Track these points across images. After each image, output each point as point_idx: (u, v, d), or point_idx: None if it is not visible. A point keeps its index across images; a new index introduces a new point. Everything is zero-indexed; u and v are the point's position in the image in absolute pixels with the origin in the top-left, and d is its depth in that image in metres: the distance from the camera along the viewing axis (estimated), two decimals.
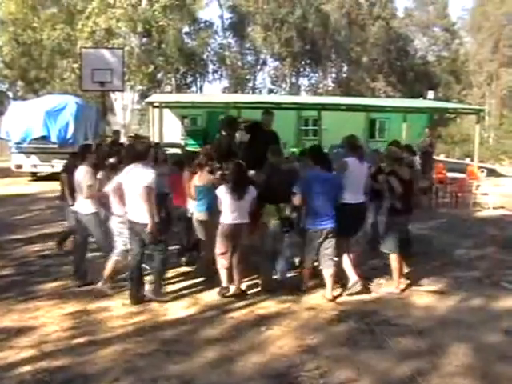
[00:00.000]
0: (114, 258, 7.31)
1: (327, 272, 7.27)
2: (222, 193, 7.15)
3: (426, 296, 7.48)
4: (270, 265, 7.62)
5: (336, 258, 7.37)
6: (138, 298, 6.96)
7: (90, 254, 8.26)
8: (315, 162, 7.35)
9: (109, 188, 7.24)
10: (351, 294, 7.35)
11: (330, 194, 7.18)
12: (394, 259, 7.67)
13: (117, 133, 16.12)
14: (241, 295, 7.26)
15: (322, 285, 7.64)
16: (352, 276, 7.42)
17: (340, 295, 7.36)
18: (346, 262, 7.46)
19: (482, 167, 21.75)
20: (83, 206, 7.68)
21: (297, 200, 7.21)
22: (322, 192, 7.10)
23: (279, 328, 6.21)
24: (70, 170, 8.54)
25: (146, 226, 6.63)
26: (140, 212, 6.65)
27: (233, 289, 7.29)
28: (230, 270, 7.29)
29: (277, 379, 5.04)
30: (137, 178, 6.64)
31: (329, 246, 7.23)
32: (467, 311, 6.92)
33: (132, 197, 6.74)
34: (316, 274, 7.61)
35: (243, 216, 7.20)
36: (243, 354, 5.51)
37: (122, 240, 7.22)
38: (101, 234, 7.70)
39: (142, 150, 7.02)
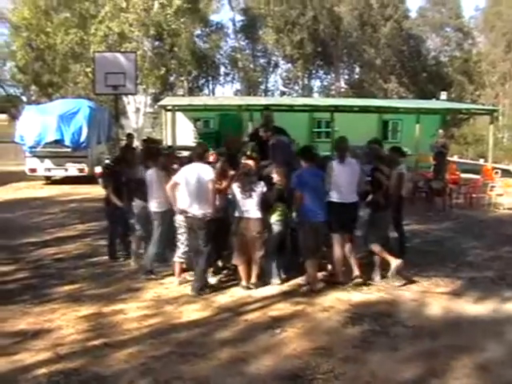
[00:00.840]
0: (178, 261, 7.95)
1: (311, 262, 7.72)
2: (234, 189, 7.68)
3: (440, 297, 7.45)
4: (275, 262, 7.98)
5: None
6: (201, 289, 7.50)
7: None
8: (305, 160, 7.80)
9: (168, 186, 7.63)
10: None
11: (320, 189, 7.69)
12: (376, 252, 8.08)
13: (130, 136, 16.14)
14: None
15: (336, 287, 7.69)
16: (338, 273, 7.95)
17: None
18: (337, 258, 7.89)
19: (496, 168, 21.61)
20: (156, 204, 8.13)
21: (298, 198, 7.60)
22: (313, 187, 7.59)
23: (293, 330, 6.20)
24: (114, 172, 9.24)
25: (203, 221, 7.34)
26: (199, 207, 7.34)
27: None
28: (247, 266, 7.73)
29: (291, 381, 5.04)
30: (200, 175, 7.35)
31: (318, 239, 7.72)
32: (482, 312, 6.88)
33: (194, 192, 7.36)
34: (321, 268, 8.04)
35: (254, 211, 7.62)
36: (257, 356, 5.52)
37: (183, 237, 7.84)
38: (166, 232, 8.20)
39: (201, 151, 7.71)
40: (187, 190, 7.44)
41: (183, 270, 8.05)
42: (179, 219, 7.80)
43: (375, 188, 8.04)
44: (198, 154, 7.68)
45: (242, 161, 8.16)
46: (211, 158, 8.79)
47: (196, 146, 8.74)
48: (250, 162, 7.98)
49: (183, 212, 7.55)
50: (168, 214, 8.05)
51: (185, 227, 7.73)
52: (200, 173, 7.41)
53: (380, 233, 8.17)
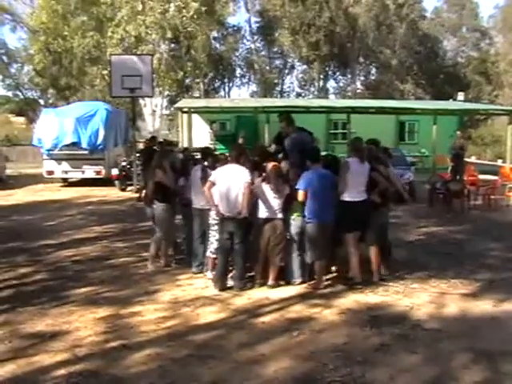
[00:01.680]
0: (212, 256, 8.16)
1: (320, 264, 7.82)
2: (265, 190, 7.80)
3: (458, 299, 7.38)
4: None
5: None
6: (224, 285, 7.75)
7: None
8: (313, 161, 7.86)
9: (206, 186, 7.82)
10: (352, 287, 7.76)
11: (328, 189, 7.74)
12: (374, 252, 8.11)
13: (153, 139, 16.36)
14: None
15: (353, 289, 7.65)
16: (355, 273, 7.93)
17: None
18: (354, 258, 7.95)
19: None
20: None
21: (300, 196, 7.64)
22: (321, 188, 7.65)
23: (310, 332, 6.18)
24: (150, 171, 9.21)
25: (237, 220, 7.56)
26: (234, 207, 7.57)
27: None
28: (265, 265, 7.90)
29: None
30: (236, 176, 7.58)
31: (326, 239, 7.78)
32: (501, 315, 6.80)
33: (229, 193, 7.58)
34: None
35: (279, 212, 7.82)
36: (275, 359, 5.50)
37: (214, 234, 8.08)
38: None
39: (237, 153, 7.89)
40: (223, 190, 7.63)
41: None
42: (213, 216, 7.99)
43: (372, 187, 8.08)
44: (234, 156, 7.87)
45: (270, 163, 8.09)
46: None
47: (232, 148, 8.74)
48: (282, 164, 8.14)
49: (218, 212, 7.69)
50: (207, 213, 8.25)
51: (217, 226, 7.90)
52: (236, 174, 7.61)
53: (377, 232, 8.22)
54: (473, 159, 31.67)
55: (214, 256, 8.09)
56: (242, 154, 7.96)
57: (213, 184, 7.69)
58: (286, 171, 8.15)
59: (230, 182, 7.60)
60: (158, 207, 8.82)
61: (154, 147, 15.85)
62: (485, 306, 7.10)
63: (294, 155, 8.57)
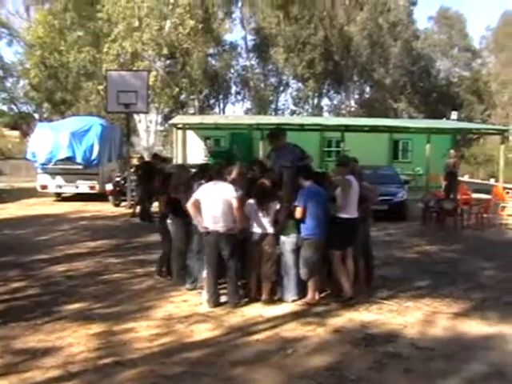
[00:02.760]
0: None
1: (314, 280, 7.89)
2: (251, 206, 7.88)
3: (451, 318, 7.38)
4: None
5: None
6: (216, 302, 7.73)
7: None
8: (306, 178, 7.95)
9: (189, 203, 7.79)
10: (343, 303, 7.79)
11: (323, 205, 7.86)
12: (360, 265, 8.43)
13: (156, 156, 16.55)
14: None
15: (348, 306, 7.66)
16: (346, 290, 7.91)
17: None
18: (343, 275, 7.97)
19: (507, 188, 21.52)
20: None
21: (298, 213, 7.72)
22: (316, 205, 7.77)
23: (305, 350, 6.16)
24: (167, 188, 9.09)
25: (228, 237, 7.60)
26: (223, 223, 7.56)
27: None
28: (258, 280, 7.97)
29: None
30: (221, 192, 7.58)
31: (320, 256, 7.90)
32: (494, 335, 6.80)
33: (214, 209, 7.57)
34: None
35: (268, 227, 7.88)
36: (269, 376, 5.48)
37: None
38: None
39: (219, 169, 7.95)
40: (207, 207, 7.64)
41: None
42: None
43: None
44: (216, 172, 7.88)
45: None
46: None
47: (214, 164, 8.79)
48: (266, 181, 8.08)
49: (206, 229, 7.70)
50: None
51: (205, 243, 7.87)
52: (221, 190, 7.61)
53: (360, 246, 8.37)
54: (466, 178, 31.82)
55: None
56: (224, 169, 8.03)
57: (197, 201, 7.69)
58: (273, 186, 8.14)
59: (214, 198, 7.59)
60: (174, 222, 8.84)
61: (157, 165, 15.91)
62: (478, 326, 7.09)
63: (277, 170, 8.70)
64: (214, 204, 7.58)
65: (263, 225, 7.83)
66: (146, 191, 15.83)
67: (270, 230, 7.86)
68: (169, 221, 8.95)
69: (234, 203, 7.53)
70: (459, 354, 6.13)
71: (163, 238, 9.39)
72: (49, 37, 33.93)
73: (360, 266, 8.34)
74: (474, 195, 19.13)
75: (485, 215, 15.83)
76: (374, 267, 9.07)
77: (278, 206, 7.86)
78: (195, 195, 7.75)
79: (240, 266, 7.86)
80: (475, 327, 7.05)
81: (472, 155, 46.29)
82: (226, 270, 7.84)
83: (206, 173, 8.61)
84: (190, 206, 7.75)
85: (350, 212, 7.99)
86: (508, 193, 19.72)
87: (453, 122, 34.56)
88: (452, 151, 19.15)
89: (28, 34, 36.53)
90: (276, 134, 9.43)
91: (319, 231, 7.77)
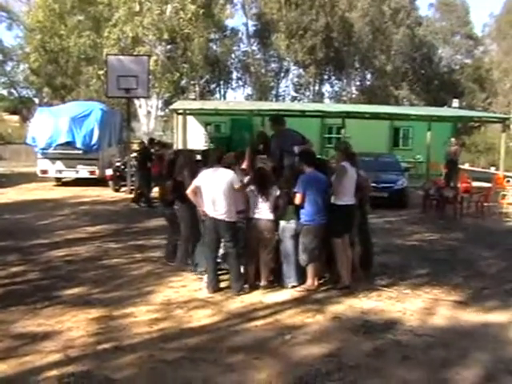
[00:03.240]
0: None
1: (313, 266, 7.84)
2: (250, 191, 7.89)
3: (451, 306, 7.38)
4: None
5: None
6: (215, 288, 7.74)
7: None
8: (308, 164, 7.95)
9: (189, 190, 7.83)
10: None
11: (323, 192, 7.86)
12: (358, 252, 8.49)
13: (152, 141, 16.61)
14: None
15: (347, 293, 7.66)
16: (345, 278, 7.95)
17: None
18: (344, 262, 7.98)
19: (507, 176, 21.50)
20: None
21: (298, 199, 7.73)
22: (317, 191, 7.77)
23: (304, 337, 6.16)
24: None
25: (228, 224, 7.57)
26: (224, 209, 7.53)
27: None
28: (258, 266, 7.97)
29: None
30: (220, 178, 7.56)
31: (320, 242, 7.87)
32: (494, 323, 6.80)
33: (214, 196, 7.55)
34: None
35: (266, 213, 7.85)
36: (268, 363, 5.48)
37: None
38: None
39: (219, 155, 7.99)
40: (209, 193, 7.61)
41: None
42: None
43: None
44: (216, 158, 7.89)
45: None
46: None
47: (213, 150, 8.78)
48: (266, 167, 8.14)
49: (206, 215, 7.71)
50: None
51: (206, 229, 7.88)
52: (221, 176, 7.59)
53: (355, 233, 8.40)
54: (466, 166, 31.79)
55: (219, 261, 8.07)
56: (223, 155, 8.09)
57: (197, 187, 7.70)
58: (272, 170, 8.23)
59: (214, 185, 7.58)
60: (181, 207, 8.81)
61: (152, 150, 15.94)
62: (478, 314, 7.10)
63: (277, 155, 8.75)
64: (213, 190, 7.56)
65: (263, 211, 7.80)
66: (145, 176, 15.85)
67: (270, 216, 7.83)
68: (176, 206, 8.93)
69: (236, 185, 7.56)
70: (459, 342, 6.13)
71: (170, 223, 9.40)
72: (49, 21, 33.62)
73: (356, 251, 8.32)
74: (475, 183, 19.10)
75: (485, 203, 15.81)
76: (374, 254, 9.07)
77: (277, 192, 7.86)
78: (195, 182, 7.74)
79: (242, 252, 7.84)
80: (474, 315, 7.05)
81: (473, 143, 46.20)
82: (227, 257, 7.86)
83: (206, 159, 8.61)
84: (189, 193, 7.76)
85: (346, 199, 7.95)
86: (508, 181, 19.68)
87: (454, 109, 34.45)
88: (453, 139, 19.14)
89: (28, 18, 36.24)
90: (278, 118, 9.43)
91: (318, 217, 7.76)
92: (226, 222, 7.62)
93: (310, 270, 7.85)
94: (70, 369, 5.22)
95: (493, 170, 30.40)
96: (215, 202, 7.58)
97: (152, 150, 16.04)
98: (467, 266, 9.69)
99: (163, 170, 9.95)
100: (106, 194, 19.16)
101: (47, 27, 34.08)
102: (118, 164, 20.47)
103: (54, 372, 5.16)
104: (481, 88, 56.79)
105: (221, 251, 7.99)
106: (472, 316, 7.03)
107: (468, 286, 8.34)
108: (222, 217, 7.59)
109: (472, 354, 5.83)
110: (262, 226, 7.81)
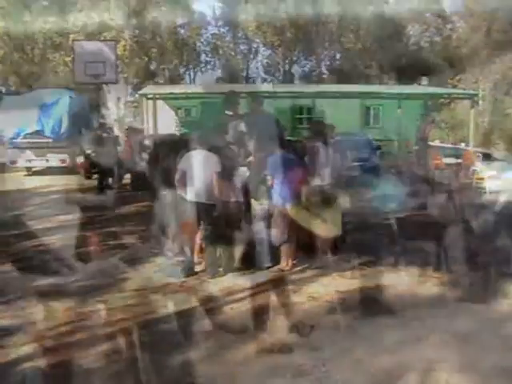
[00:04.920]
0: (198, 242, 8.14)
1: (286, 246, 7.91)
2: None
3: (427, 282, 7.47)
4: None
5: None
6: (190, 271, 7.75)
7: None
8: (279, 146, 7.99)
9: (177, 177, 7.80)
10: None
11: (292, 174, 7.80)
12: None
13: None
14: None
15: (322, 274, 7.69)
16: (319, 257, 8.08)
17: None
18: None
19: (477, 152, 21.74)
20: None
21: (269, 181, 7.81)
22: (285, 172, 7.77)
23: (279, 317, 6.20)
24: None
25: (209, 207, 7.58)
26: (203, 192, 7.58)
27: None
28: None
29: (277, 368, 5.04)
30: (205, 161, 7.62)
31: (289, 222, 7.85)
32: (474, 299, 6.86)
33: (197, 179, 7.59)
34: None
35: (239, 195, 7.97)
36: (243, 343, 5.53)
37: None
38: None
39: (205, 138, 7.97)
40: (192, 176, 7.66)
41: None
42: None
43: None
44: (200, 142, 7.88)
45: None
46: None
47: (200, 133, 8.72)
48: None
49: (190, 199, 7.70)
50: None
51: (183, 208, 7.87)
52: (204, 160, 7.66)
53: None
54: (436, 143, 32.03)
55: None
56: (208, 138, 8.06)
57: (182, 172, 7.68)
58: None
59: (197, 168, 7.60)
60: (166, 193, 8.70)
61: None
62: (457, 292, 7.16)
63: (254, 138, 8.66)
64: (196, 173, 7.59)
65: (234, 193, 7.83)
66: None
67: (241, 198, 7.88)
68: (163, 192, 8.84)
69: (215, 177, 7.56)
70: (434, 317, 6.21)
71: (157, 209, 9.31)
72: (12, 7, 32.99)
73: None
74: (445, 160, 19.27)
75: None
76: (347, 233, 9.11)
77: (247, 174, 7.92)
78: (180, 166, 7.73)
79: (218, 236, 7.82)
80: (453, 292, 7.12)
81: (442, 120, 46.58)
82: (205, 240, 7.87)
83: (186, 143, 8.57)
84: (177, 180, 7.74)
85: (320, 179, 8.01)
86: (478, 156, 19.90)
87: (424, 87, 34.65)
88: (424, 116, 19.28)
89: None
90: (258, 97, 9.33)
91: (290, 198, 7.78)
92: (207, 206, 7.62)
93: (283, 251, 7.89)
94: (44, 360, 5.18)
95: (463, 145, 30.70)
96: (197, 185, 7.60)
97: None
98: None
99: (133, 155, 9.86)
100: (78, 181, 18.94)
101: (11, 13, 33.38)
102: (88, 151, 20.21)
103: (30, 363, 5.12)
104: (450, 65, 57.14)
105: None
106: (451, 294, 7.12)
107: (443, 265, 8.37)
108: (203, 200, 7.60)
109: (449, 329, 5.92)
110: (233, 208, 7.83)
